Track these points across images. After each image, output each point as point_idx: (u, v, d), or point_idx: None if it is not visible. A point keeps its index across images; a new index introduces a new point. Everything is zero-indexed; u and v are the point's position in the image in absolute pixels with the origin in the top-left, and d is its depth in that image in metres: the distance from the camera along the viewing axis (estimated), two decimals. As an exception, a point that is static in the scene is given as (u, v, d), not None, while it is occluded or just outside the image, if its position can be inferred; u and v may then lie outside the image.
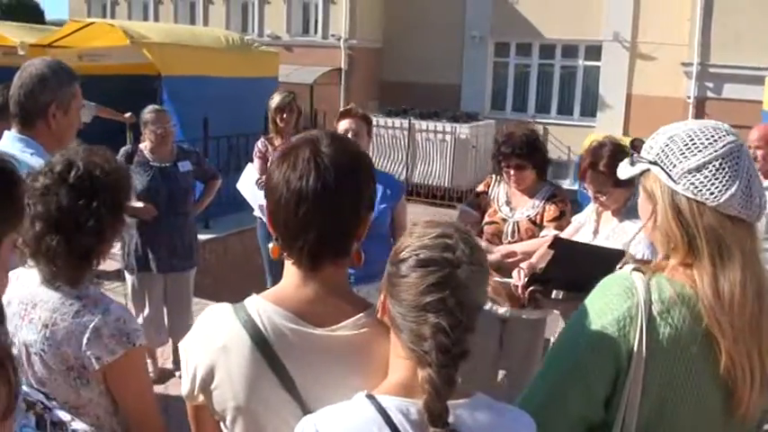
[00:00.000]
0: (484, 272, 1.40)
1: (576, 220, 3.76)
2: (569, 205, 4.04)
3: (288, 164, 1.52)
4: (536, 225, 3.97)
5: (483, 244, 3.97)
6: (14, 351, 1.92)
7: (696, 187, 1.47)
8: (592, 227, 3.56)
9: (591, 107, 15.17)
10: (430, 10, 15.98)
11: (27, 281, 1.96)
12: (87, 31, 9.71)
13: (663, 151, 1.55)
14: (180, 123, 8.81)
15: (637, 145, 1.95)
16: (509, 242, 3.98)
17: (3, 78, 6.84)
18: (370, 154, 8.87)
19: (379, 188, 3.86)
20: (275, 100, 5.68)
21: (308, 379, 1.49)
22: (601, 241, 3.41)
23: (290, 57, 16.57)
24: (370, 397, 1.37)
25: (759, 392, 1.49)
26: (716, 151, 1.47)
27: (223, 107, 8.62)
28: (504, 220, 4.02)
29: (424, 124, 14.61)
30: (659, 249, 1.62)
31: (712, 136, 1.50)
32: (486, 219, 4.09)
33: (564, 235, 3.60)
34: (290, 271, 1.58)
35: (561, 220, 3.92)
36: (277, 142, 5.62)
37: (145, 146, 5.10)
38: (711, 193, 1.46)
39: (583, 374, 1.56)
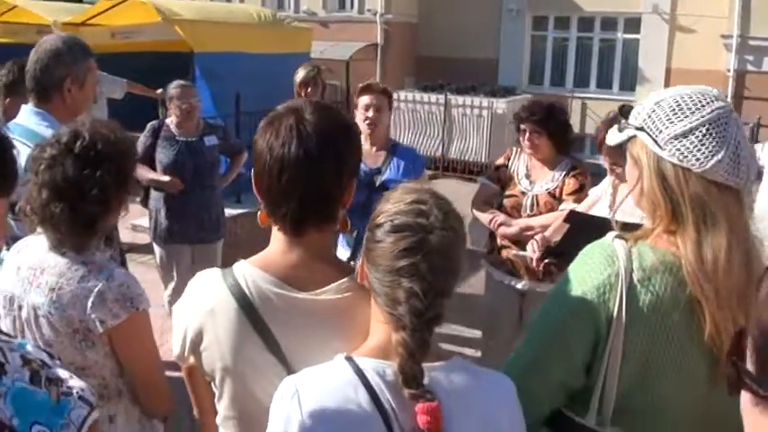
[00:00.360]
0: (458, 237, 1.42)
1: (594, 193, 3.74)
2: (589, 178, 4.01)
3: (271, 131, 1.57)
4: (555, 198, 3.96)
5: (501, 217, 3.98)
6: (23, 313, 2.01)
7: (682, 153, 1.46)
8: (608, 200, 3.54)
9: (630, 81, 14.89)
10: (466, -17, 15.86)
11: (36, 247, 2.04)
12: (120, 8, 9.85)
13: (649, 117, 1.54)
14: (212, 99, 8.95)
15: (626, 111, 1.93)
16: (528, 215, 3.98)
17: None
18: (405, 129, 8.97)
19: (401, 162, 3.90)
20: (300, 74, 5.69)
21: (292, 341, 1.54)
22: (617, 214, 3.39)
23: (326, 33, 16.56)
24: (349, 359, 1.41)
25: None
26: (702, 117, 1.45)
27: (255, 83, 8.67)
28: (524, 194, 4.02)
29: (460, 99, 14.47)
30: (646, 217, 1.62)
31: (700, 101, 1.48)
32: (506, 192, 4.09)
33: (580, 208, 3.59)
34: (276, 237, 1.62)
35: (581, 193, 3.90)
36: (302, 117, 5.64)
37: (171, 120, 5.18)
38: (697, 159, 1.44)
39: (563, 340, 1.58)
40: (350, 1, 17.08)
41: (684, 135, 1.46)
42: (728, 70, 12.93)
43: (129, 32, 9.79)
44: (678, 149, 1.46)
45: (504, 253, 4.04)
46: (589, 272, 1.56)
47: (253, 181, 1.61)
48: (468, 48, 15.74)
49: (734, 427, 1.01)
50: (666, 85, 13.98)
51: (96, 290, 1.94)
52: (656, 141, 1.51)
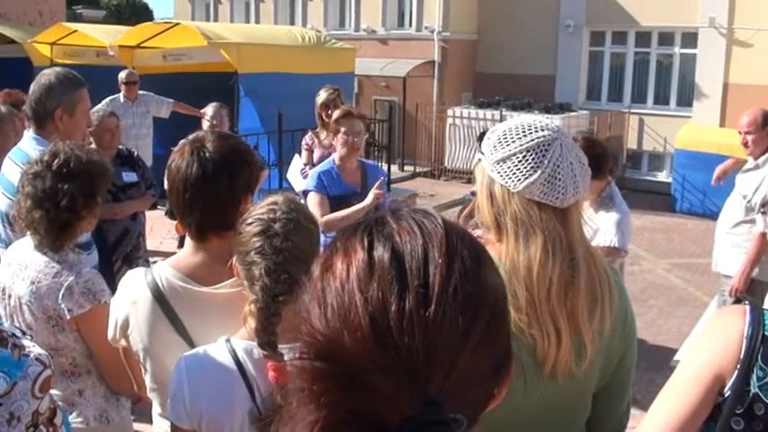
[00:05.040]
0: (302, 228, 1.80)
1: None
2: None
3: (179, 156, 2.01)
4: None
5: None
6: (12, 302, 2.49)
7: (501, 176, 1.72)
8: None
9: (687, 97, 14.80)
10: (524, 0, 16.07)
11: (24, 247, 2.54)
12: (171, 32, 10.62)
13: (485, 144, 1.86)
14: (257, 116, 9.54)
15: (480, 136, 2.23)
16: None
17: (96, 77, 7.74)
18: (460, 144, 9.62)
19: (374, 176, 4.40)
20: (321, 96, 6.09)
21: (195, 325, 1.97)
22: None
23: (385, 50, 17.08)
24: (227, 340, 1.82)
25: (565, 353, 1.69)
26: (521, 145, 1.70)
27: (298, 102, 9.14)
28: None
29: (515, 116, 14.67)
30: (480, 227, 1.93)
31: (523, 132, 1.73)
32: None
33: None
34: (187, 242, 2.06)
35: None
36: (322, 136, 6.04)
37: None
38: (512, 181, 1.70)
39: None
40: (408, 19, 17.53)
41: (503, 160, 1.72)
42: (787, 85, 12.76)
43: (178, 55, 10.54)
44: (499, 172, 1.73)
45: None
46: None
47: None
48: (525, 64, 15.95)
49: None
50: (724, 100, 13.88)
51: (66, 284, 2.41)
52: (487, 165, 1.82)
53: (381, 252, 0.80)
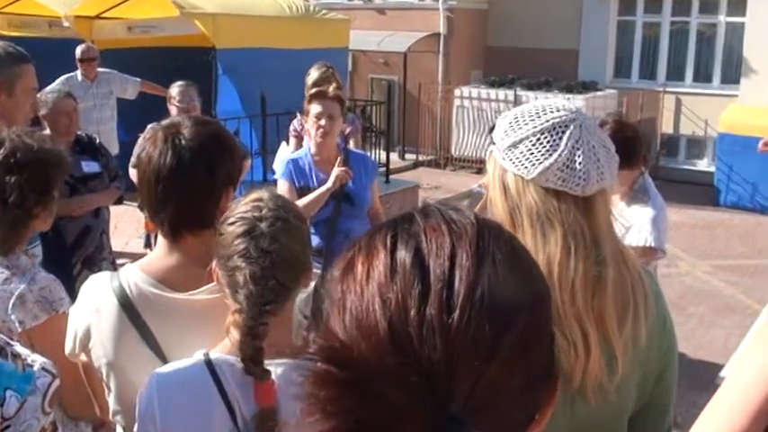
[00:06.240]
0: (291, 227, 1.81)
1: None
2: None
3: (151, 144, 2.01)
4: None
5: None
6: None
7: (513, 163, 1.72)
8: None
9: (734, 73, 14.76)
10: (543, -37, 16.08)
11: None
12: (137, 1, 10.54)
13: (496, 131, 1.86)
14: (237, 98, 9.51)
15: (492, 127, 2.22)
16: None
17: (48, 51, 7.69)
18: (468, 130, 9.77)
19: (356, 169, 4.43)
20: (312, 76, 6.08)
21: (168, 337, 1.97)
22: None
23: (382, 21, 17.06)
24: (206, 355, 1.82)
25: (594, 365, 1.68)
26: (534, 127, 1.71)
27: (284, 81, 9.10)
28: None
29: (531, 96, 14.67)
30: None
31: (537, 113, 1.73)
32: None
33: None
34: (159, 241, 2.08)
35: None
36: (314, 121, 6.06)
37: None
38: (525, 167, 1.70)
39: None
40: (409, -16, 17.51)
41: (515, 145, 1.73)
42: None
43: (146, 27, 10.51)
44: (511, 159, 1.73)
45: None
46: None
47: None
48: (543, 37, 15.92)
49: None
50: (775, 77, 13.86)
51: (17, 292, 2.40)
52: (499, 153, 1.82)
53: (404, 252, 0.83)
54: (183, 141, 1.98)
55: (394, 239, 0.84)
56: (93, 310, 2.01)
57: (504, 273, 0.83)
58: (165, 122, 2.07)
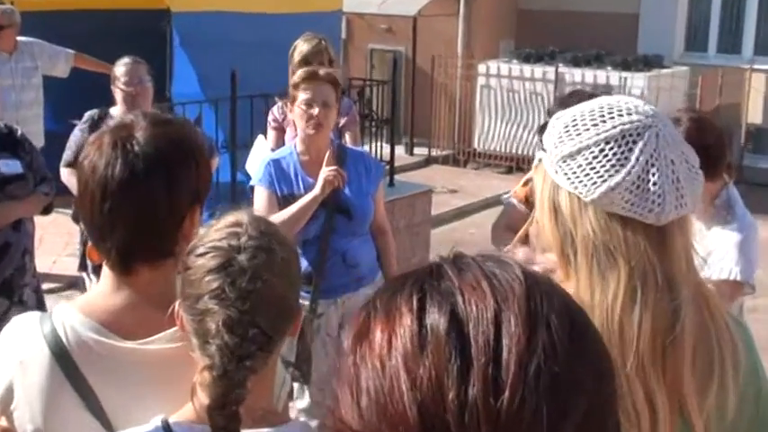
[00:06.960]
0: (277, 260, 1.82)
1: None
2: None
3: (95, 151, 2.01)
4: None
5: (521, 254, 4.29)
6: None
7: (569, 178, 1.73)
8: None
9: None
10: None
11: None
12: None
13: (547, 135, 1.86)
14: (199, 76, 9.48)
15: (542, 128, 2.18)
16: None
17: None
18: (496, 117, 10.16)
19: (354, 172, 4.42)
20: (300, 49, 6.06)
21: (114, 398, 1.98)
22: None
23: (386, -23, 17.08)
24: (164, 420, 1.82)
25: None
26: (598, 134, 1.72)
27: (260, 55, 9.08)
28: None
29: (577, 74, 14.71)
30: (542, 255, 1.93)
31: (602, 116, 1.74)
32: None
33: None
34: (105, 274, 2.07)
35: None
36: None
37: (115, 110, 5.71)
38: (584, 185, 1.71)
39: None
40: (420, -70, 17.53)
41: (572, 156, 1.73)
42: None
43: (81, -18, 10.47)
44: (566, 173, 1.74)
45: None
46: None
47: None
48: (593, -2, 15.94)
49: None
50: None
51: None
52: (550, 164, 1.82)
53: (436, 317, 0.82)
54: (136, 148, 1.97)
55: (421, 299, 0.84)
56: (17, 361, 2.01)
57: (562, 341, 0.83)
58: (114, 123, 2.07)
